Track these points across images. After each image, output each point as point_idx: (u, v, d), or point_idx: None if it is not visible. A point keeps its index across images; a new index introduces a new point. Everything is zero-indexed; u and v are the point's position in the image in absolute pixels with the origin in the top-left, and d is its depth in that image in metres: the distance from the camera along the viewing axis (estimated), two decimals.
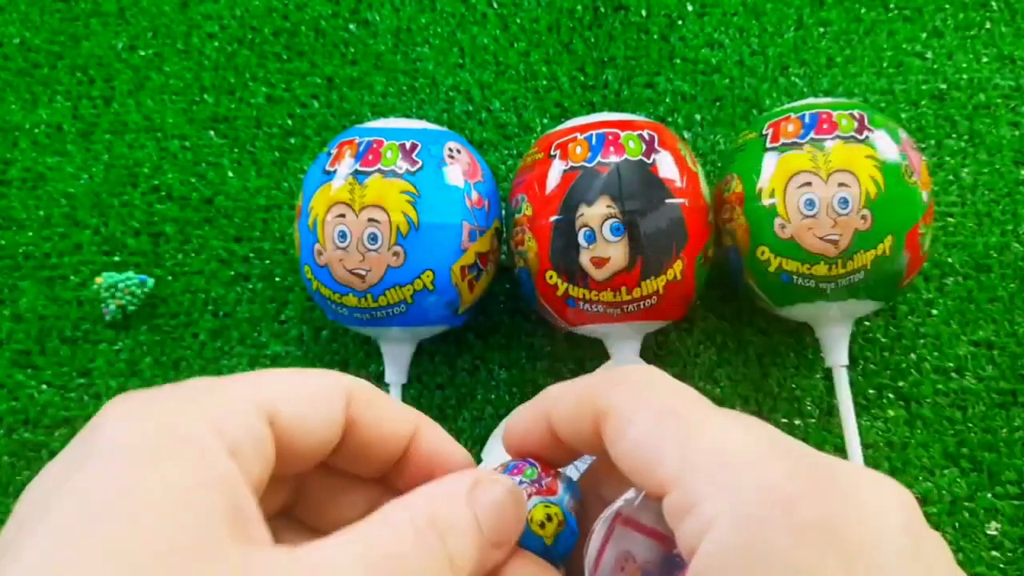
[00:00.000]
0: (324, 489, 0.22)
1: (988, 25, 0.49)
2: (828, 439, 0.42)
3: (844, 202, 0.35)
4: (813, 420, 0.42)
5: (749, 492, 0.16)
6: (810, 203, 0.36)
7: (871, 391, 0.43)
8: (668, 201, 0.36)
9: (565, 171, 0.37)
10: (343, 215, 0.36)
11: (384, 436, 0.21)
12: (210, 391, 0.18)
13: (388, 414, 0.21)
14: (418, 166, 0.36)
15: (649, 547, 0.20)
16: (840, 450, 0.40)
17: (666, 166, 0.37)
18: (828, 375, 0.42)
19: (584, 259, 0.36)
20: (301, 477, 0.22)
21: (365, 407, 0.20)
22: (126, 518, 0.14)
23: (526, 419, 0.22)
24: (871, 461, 0.42)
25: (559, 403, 0.21)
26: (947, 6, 0.49)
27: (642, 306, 0.36)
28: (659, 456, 0.18)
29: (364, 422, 0.20)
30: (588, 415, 0.20)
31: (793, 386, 0.43)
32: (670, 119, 0.48)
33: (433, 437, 0.22)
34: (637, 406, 0.19)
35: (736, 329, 0.44)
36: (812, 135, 0.37)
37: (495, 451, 0.39)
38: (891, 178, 0.36)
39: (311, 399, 0.19)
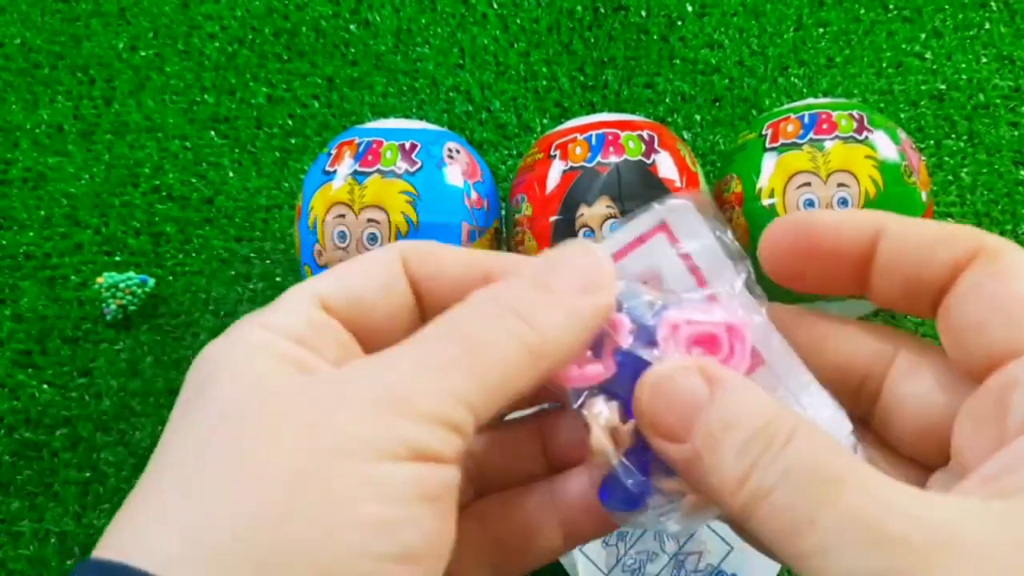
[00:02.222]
0: None
1: (987, 25, 0.49)
2: None
3: (844, 202, 0.35)
4: None
5: None
6: (810, 203, 0.36)
7: None
8: None
9: (565, 171, 0.37)
10: (343, 215, 0.36)
11: (456, 280, 0.19)
12: (270, 305, 0.18)
13: (450, 258, 0.19)
14: (417, 166, 0.36)
15: (683, 277, 0.18)
16: None
17: (666, 166, 0.37)
18: None
19: None
20: None
21: (421, 261, 0.19)
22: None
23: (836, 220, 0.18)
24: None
25: (896, 225, 0.17)
26: (946, 7, 0.49)
27: None
28: None
29: (426, 273, 0.19)
30: (954, 250, 0.17)
31: None
32: (670, 119, 0.48)
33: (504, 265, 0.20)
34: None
35: None
36: (811, 135, 0.37)
37: None
38: (890, 178, 0.36)
39: (360, 273, 0.19)
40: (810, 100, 0.39)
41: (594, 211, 0.36)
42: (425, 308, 0.19)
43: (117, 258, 0.46)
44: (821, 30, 0.49)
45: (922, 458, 0.18)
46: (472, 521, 0.19)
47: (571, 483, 0.20)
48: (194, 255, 0.46)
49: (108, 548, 0.14)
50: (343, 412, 0.15)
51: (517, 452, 0.21)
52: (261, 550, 0.13)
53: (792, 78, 0.48)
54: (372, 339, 0.19)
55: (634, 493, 0.17)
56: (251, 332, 0.17)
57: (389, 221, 0.35)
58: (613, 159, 0.36)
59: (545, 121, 0.48)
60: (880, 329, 0.19)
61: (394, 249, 0.19)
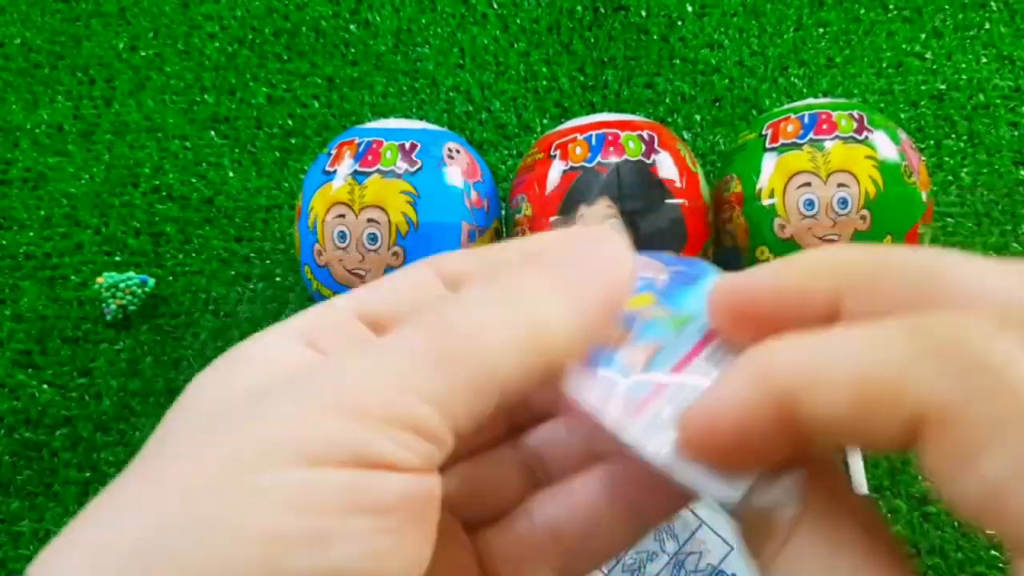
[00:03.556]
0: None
1: (987, 26, 0.49)
2: None
3: (844, 202, 0.35)
4: None
5: None
6: (810, 203, 0.36)
7: None
8: (668, 201, 0.36)
9: (565, 171, 0.36)
10: (343, 215, 0.36)
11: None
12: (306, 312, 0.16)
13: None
14: (417, 166, 0.36)
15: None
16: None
17: (666, 166, 0.37)
18: None
19: None
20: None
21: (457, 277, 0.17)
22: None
23: (738, 396, 0.13)
24: (870, 459, 0.42)
25: (821, 373, 0.12)
26: (946, 7, 0.49)
27: None
28: None
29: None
30: (898, 413, 0.11)
31: None
32: (670, 119, 0.47)
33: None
34: (995, 416, 0.10)
35: None
36: (811, 135, 0.37)
37: None
38: (890, 178, 0.36)
39: (394, 287, 0.17)
40: (810, 100, 0.39)
41: (594, 211, 0.35)
42: None
43: (117, 258, 0.46)
44: (821, 30, 0.49)
45: None
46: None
47: (626, 465, 0.17)
48: (194, 255, 0.46)
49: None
50: (278, 412, 0.13)
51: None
52: (156, 565, 0.11)
53: (792, 78, 0.48)
54: None
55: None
56: (265, 337, 0.15)
57: (389, 221, 0.35)
58: (613, 159, 0.36)
59: (545, 121, 0.47)
60: None
61: (429, 265, 0.17)
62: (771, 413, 0.12)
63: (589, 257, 0.15)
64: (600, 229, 0.16)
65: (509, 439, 0.19)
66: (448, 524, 0.17)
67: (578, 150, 0.37)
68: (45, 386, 0.44)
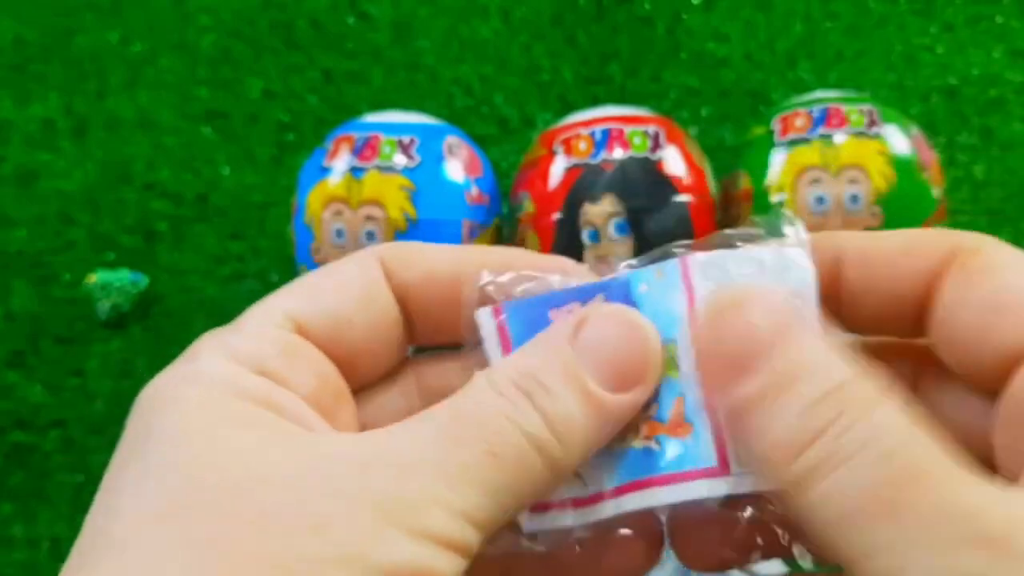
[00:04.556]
0: None
1: (999, 19, 0.48)
2: None
3: (855, 199, 0.35)
4: None
5: None
6: (820, 200, 0.35)
7: None
8: (674, 198, 0.36)
9: (568, 167, 0.36)
10: (340, 212, 0.35)
11: (447, 284, 0.17)
12: (233, 325, 0.16)
13: (437, 258, 0.17)
14: (416, 161, 0.36)
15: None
16: None
17: (672, 162, 0.36)
18: None
19: (588, 258, 0.35)
20: None
21: (404, 266, 0.17)
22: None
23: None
24: None
25: (857, 241, 0.16)
26: (957, 0, 0.49)
27: None
28: None
29: (412, 279, 0.17)
30: (938, 247, 0.15)
31: None
32: (676, 114, 0.47)
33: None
34: (1008, 250, 0.14)
35: None
36: (821, 130, 0.36)
37: None
38: (902, 173, 0.35)
39: (335, 286, 0.17)
40: (819, 93, 0.39)
41: (598, 208, 0.35)
42: (413, 319, 0.17)
43: (110, 256, 0.46)
44: (830, 23, 0.49)
45: None
46: None
47: None
48: (188, 253, 0.45)
49: None
50: (341, 516, 0.13)
51: None
52: None
53: (801, 72, 0.48)
54: (351, 361, 0.17)
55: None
56: (212, 363, 0.15)
57: (387, 218, 0.35)
58: (618, 155, 0.36)
59: (548, 115, 0.47)
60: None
61: (371, 255, 0.17)
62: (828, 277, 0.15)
63: (615, 356, 0.15)
64: (625, 315, 0.16)
65: None
66: None
67: (582, 145, 0.36)
68: (37, 387, 0.44)
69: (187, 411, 0.14)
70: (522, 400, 0.14)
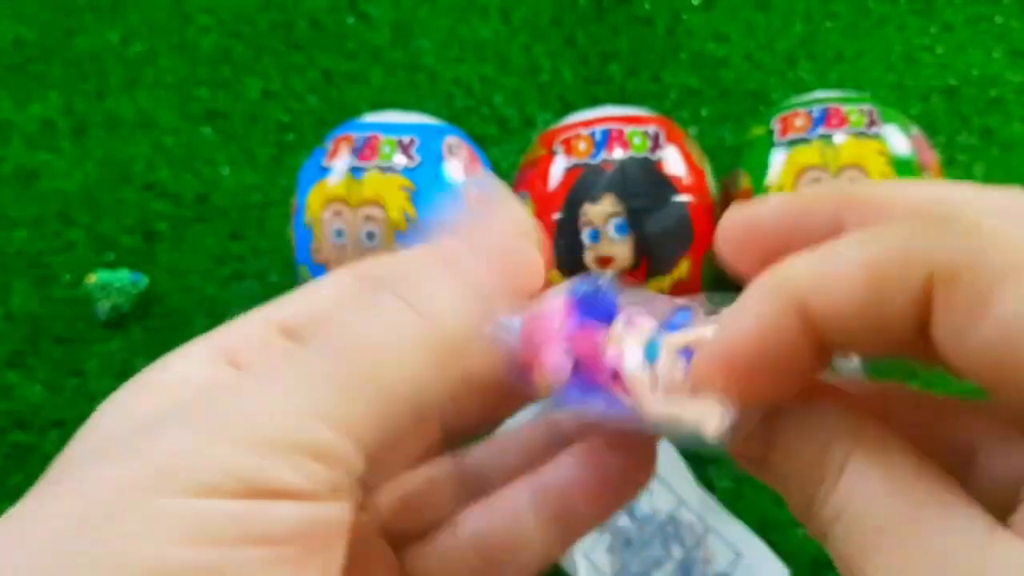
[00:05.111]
0: None
1: (999, 19, 0.48)
2: None
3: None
4: None
5: None
6: None
7: None
8: (674, 198, 0.35)
9: (568, 168, 0.36)
10: (340, 212, 0.35)
11: None
12: (215, 330, 0.16)
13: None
14: (416, 161, 0.36)
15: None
16: None
17: (672, 162, 0.36)
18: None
19: (588, 258, 0.35)
20: None
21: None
22: None
23: (757, 312, 0.13)
24: None
25: (830, 270, 0.12)
26: (957, 0, 0.49)
27: None
28: None
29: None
30: (908, 283, 0.12)
31: None
32: (675, 114, 0.47)
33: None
34: (1001, 261, 0.11)
35: None
36: (821, 130, 0.36)
37: None
38: (902, 173, 0.35)
39: (321, 299, 0.16)
40: (819, 93, 0.39)
41: (598, 209, 0.35)
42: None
43: (110, 256, 0.45)
44: (830, 23, 0.49)
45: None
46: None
47: (557, 470, 0.17)
48: (188, 253, 0.45)
49: None
50: (170, 438, 0.12)
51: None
52: None
53: (800, 72, 0.48)
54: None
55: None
56: (189, 358, 0.15)
57: (387, 218, 0.35)
58: (618, 155, 0.36)
59: (547, 116, 0.47)
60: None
61: (348, 274, 0.16)
62: (791, 324, 0.12)
63: (485, 234, 0.15)
64: (496, 201, 0.15)
65: (450, 449, 0.18)
66: (371, 545, 0.17)
67: (582, 146, 0.36)
68: (37, 387, 0.43)
69: (140, 395, 0.14)
70: (381, 293, 0.14)
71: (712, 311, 0.15)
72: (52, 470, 0.13)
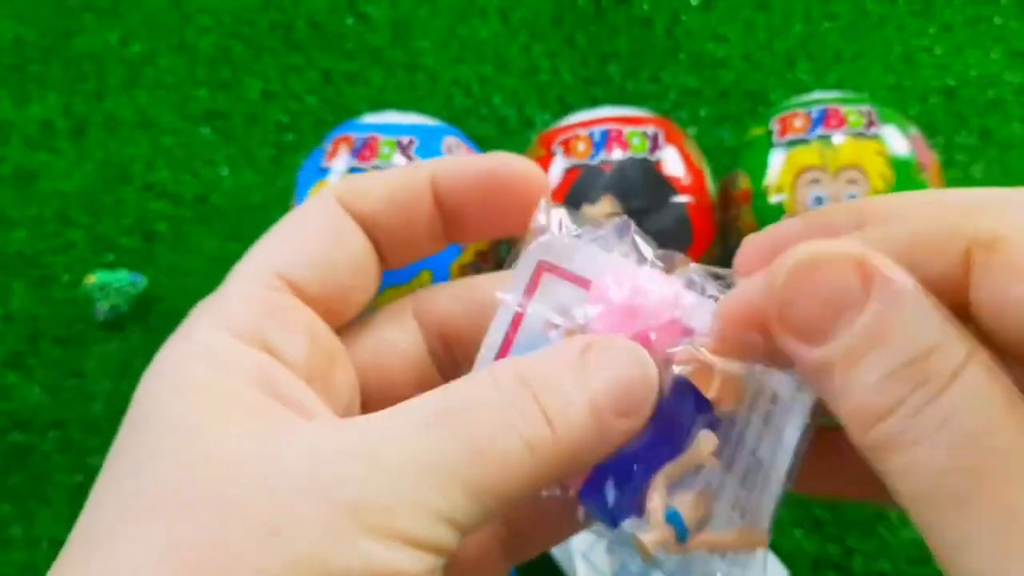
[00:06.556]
0: None
1: (997, 20, 0.48)
2: None
3: (853, 199, 0.35)
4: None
5: None
6: (819, 200, 0.35)
7: None
8: (673, 199, 0.35)
9: (567, 168, 0.36)
10: None
11: (404, 208, 0.17)
12: (223, 290, 0.17)
13: (387, 184, 0.17)
14: (415, 162, 0.36)
15: (578, 298, 0.16)
16: None
17: (671, 163, 0.36)
18: None
19: None
20: None
21: (360, 199, 0.17)
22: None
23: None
24: None
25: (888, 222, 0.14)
26: (955, 1, 0.49)
27: None
28: None
29: (371, 210, 0.17)
30: (953, 245, 0.13)
31: None
32: (674, 114, 0.47)
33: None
34: None
35: None
36: (820, 130, 0.36)
37: None
38: (901, 174, 0.35)
39: (312, 234, 0.17)
40: (818, 94, 0.39)
41: (597, 210, 0.35)
42: (381, 246, 0.18)
43: (109, 257, 0.45)
44: (829, 24, 0.49)
45: None
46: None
47: None
48: (187, 254, 0.45)
49: None
50: (301, 518, 0.13)
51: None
52: None
53: (800, 72, 0.48)
54: (341, 302, 0.17)
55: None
56: (209, 340, 0.15)
57: None
58: (617, 156, 0.35)
59: (547, 116, 0.47)
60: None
61: (327, 196, 0.17)
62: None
63: (613, 355, 0.15)
64: (631, 350, 0.16)
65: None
66: None
67: (581, 146, 0.36)
68: (36, 388, 0.43)
69: (178, 403, 0.14)
70: (525, 397, 0.14)
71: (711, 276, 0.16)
72: (102, 492, 0.14)
